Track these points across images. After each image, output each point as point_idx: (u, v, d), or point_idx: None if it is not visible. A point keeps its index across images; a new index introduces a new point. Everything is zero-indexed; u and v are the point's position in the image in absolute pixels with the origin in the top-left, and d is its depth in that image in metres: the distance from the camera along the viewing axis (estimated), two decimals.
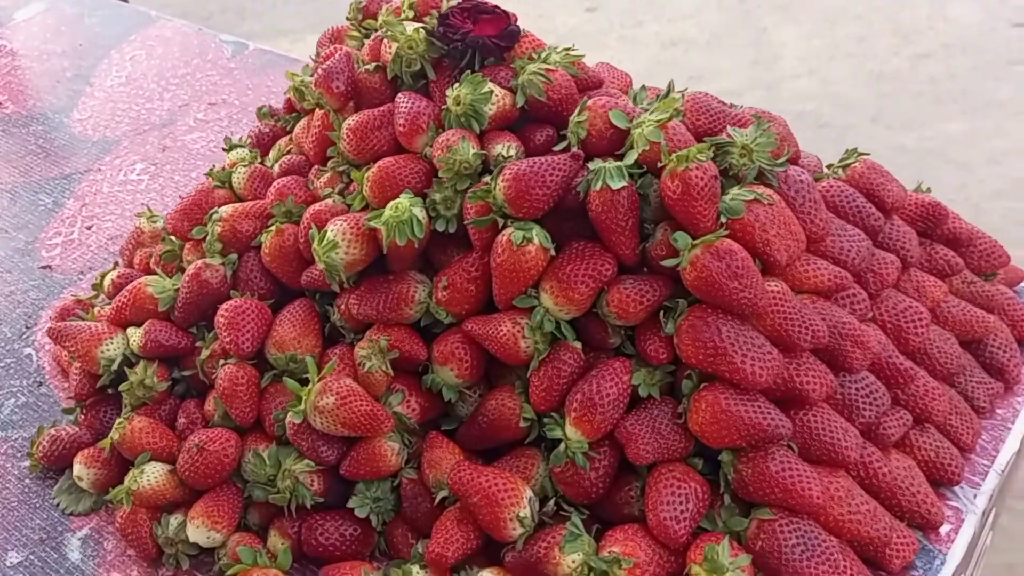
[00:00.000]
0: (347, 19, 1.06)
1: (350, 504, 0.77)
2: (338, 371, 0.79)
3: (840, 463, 0.71)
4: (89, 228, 1.16)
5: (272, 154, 1.03)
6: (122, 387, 0.85)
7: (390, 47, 0.88)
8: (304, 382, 0.77)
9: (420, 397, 0.79)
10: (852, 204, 0.83)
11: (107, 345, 0.86)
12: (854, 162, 0.86)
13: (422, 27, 0.87)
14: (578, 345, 0.75)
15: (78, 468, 0.84)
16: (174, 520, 0.79)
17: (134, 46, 1.52)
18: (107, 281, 1.01)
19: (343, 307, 0.83)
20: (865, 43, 2.93)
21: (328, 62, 0.91)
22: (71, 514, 0.84)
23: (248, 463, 0.79)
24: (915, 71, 2.73)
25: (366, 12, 1.06)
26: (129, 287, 0.89)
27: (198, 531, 0.77)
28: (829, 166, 0.90)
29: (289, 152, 1.00)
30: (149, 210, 1.07)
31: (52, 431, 0.87)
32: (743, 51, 3.01)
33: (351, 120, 0.86)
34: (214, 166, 1.11)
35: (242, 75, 1.43)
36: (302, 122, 0.99)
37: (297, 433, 0.77)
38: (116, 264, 1.06)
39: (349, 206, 0.85)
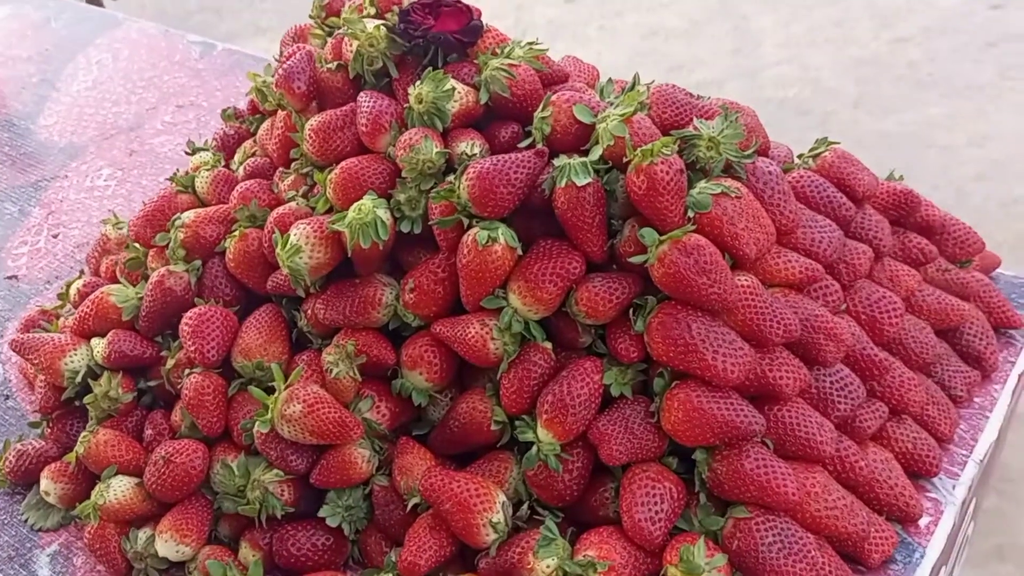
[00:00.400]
0: (310, 17, 1.04)
1: (321, 513, 0.75)
2: (305, 378, 0.77)
3: (816, 458, 0.71)
4: (56, 236, 1.14)
5: (237, 157, 1.02)
6: (87, 399, 0.83)
7: (351, 45, 0.86)
8: (271, 390, 0.76)
9: (390, 402, 0.78)
10: (823, 194, 0.82)
11: (71, 357, 0.85)
12: (824, 151, 0.85)
13: (383, 24, 0.86)
14: (548, 345, 0.74)
15: (45, 483, 0.82)
16: (142, 534, 0.77)
17: (100, 49, 1.50)
18: (73, 290, 0.99)
19: (309, 312, 0.81)
20: (844, 28, 2.92)
21: (289, 62, 0.89)
22: (39, 530, 0.83)
23: (217, 474, 0.78)
24: (895, 55, 2.72)
25: (329, 10, 1.04)
26: (92, 297, 0.87)
27: (167, 545, 0.75)
28: (799, 156, 0.88)
29: (254, 154, 0.98)
30: (115, 216, 1.05)
31: (18, 446, 0.85)
32: (723, 39, 3.00)
33: (313, 121, 0.85)
34: (177, 170, 1.09)
35: (210, 76, 1.41)
36: (265, 124, 0.97)
37: (265, 442, 0.76)
38: (82, 272, 1.04)
39: (313, 209, 0.83)
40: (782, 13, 3.10)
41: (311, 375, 0.78)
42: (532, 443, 0.72)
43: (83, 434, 0.80)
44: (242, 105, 1.29)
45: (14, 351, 0.87)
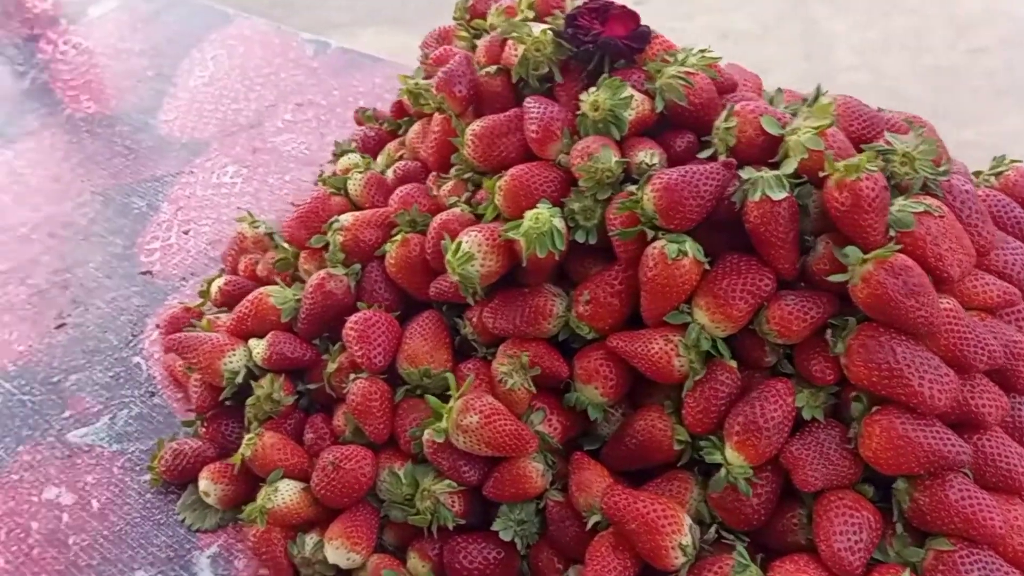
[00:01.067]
0: (454, 19, 1.04)
1: (495, 527, 0.74)
2: (475, 388, 0.76)
3: (1016, 490, 0.68)
4: (186, 232, 1.14)
5: (380, 159, 1.01)
6: (249, 401, 0.83)
7: (515, 49, 0.85)
8: (440, 398, 0.75)
9: (561, 416, 0.77)
10: (1010, 214, 0.79)
11: (230, 357, 0.84)
12: (1007, 170, 0.83)
13: (549, 28, 0.84)
14: (734, 364, 0.72)
15: (204, 483, 0.82)
16: (310, 540, 0.76)
17: (214, 45, 1.50)
18: (214, 288, 0.99)
19: (475, 320, 0.80)
20: (920, 36, 2.87)
21: (449, 65, 0.88)
22: (197, 531, 0.82)
23: (383, 482, 0.77)
24: (972, 65, 2.67)
25: (473, 11, 1.03)
26: (251, 297, 0.87)
27: (337, 552, 0.75)
28: (976, 173, 0.86)
29: (401, 158, 0.97)
30: (250, 215, 1.05)
31: (174, 444, 0.85)
32: (795, 43, 2.96)
33: (476, 126, 0.84)
34: (323, 171, 1.09)
35: (326, 75, 1.40)
36: (416, 127, 0.96)
37: (437, 452, 0.75)
38: (223, 271, 1.04)
39: (476, 215, 0.82)
40: (855, 18, 3.05)
41: (479, 385, 0.77)
42: (718, 465, 0.70)
43: (249, 436, 0.80)
44: (362, 103, 1.29)
45: (170, 349, 0.87)
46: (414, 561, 0.76)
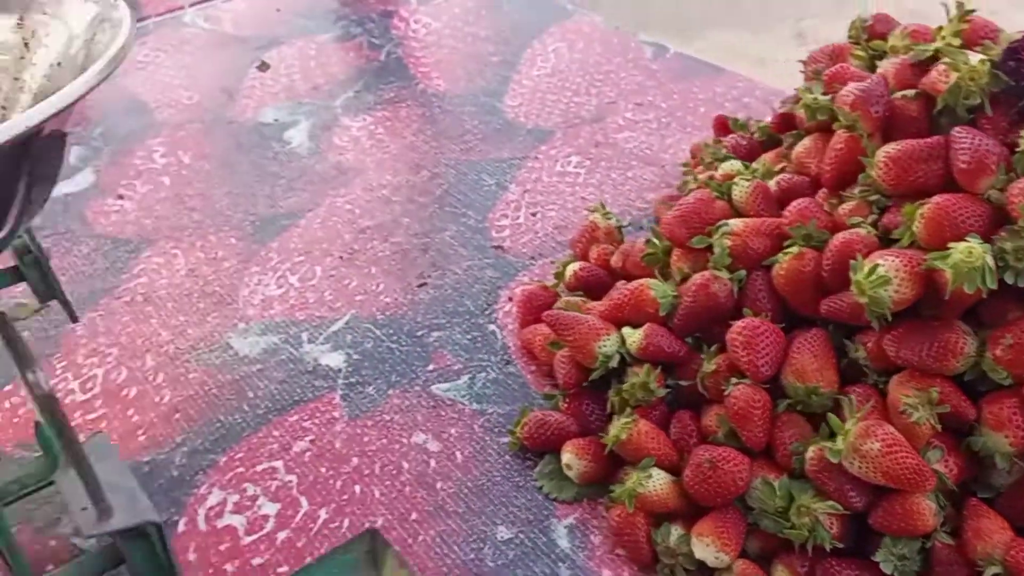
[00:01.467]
0: (849, 38, 1.02)
1: (876, 558, 0.72)
2: (869, 414, 0.74)
3: None
4: (534, 215, 1.19)
5: (758, 169, 1.01)
6: (624, 386, 0.85)
7: (946, 76, 0.82)
8: (821, 418, 0.74)
9: (957, 457, 0.74)
10: None
11: (604, 341, 0.87)
12: None
13: (988, 59, 0.81)
14: None
15: (568, 457, 0.85)
16: (675, 531, 0.78)
17: (555, 38, 1.56)
18: (568, 272, 1.03)
19: (871, 345, 0.78)
20: None
21: (865, 84, 0.87)
22: (554, 499, 0.86)
23: (755, 490, 0.77)
24: None
25: (872, 32, 1.01)
26: (630, 287, 0.90)
27: (707, 549, 0.75)
28: None
29: (783, 170, 0.97)
30: (602, 207, 1.08)
31: (538, 415, 0.89)
32: None
33: (891, 148, 0.82)
34: (692, 175, 1.10)
35: (665, 78, 1.42)
36: (806, 141, 0.95)
37: (823, 471, 0.74)
38: (572, 256, 1.08)
39: (880, 239, 0.80)
40: None
41: (871, 412, 0.75)
42: None
43: (624, 421, 0.82)
44: (702, 110, 1.30)
45: (547, 323, 0.91)
46: (781, 574, 0.75)
